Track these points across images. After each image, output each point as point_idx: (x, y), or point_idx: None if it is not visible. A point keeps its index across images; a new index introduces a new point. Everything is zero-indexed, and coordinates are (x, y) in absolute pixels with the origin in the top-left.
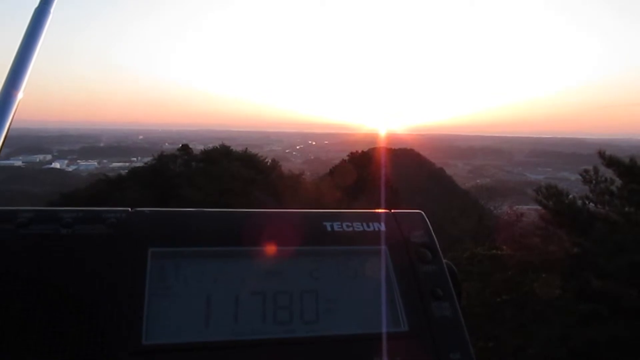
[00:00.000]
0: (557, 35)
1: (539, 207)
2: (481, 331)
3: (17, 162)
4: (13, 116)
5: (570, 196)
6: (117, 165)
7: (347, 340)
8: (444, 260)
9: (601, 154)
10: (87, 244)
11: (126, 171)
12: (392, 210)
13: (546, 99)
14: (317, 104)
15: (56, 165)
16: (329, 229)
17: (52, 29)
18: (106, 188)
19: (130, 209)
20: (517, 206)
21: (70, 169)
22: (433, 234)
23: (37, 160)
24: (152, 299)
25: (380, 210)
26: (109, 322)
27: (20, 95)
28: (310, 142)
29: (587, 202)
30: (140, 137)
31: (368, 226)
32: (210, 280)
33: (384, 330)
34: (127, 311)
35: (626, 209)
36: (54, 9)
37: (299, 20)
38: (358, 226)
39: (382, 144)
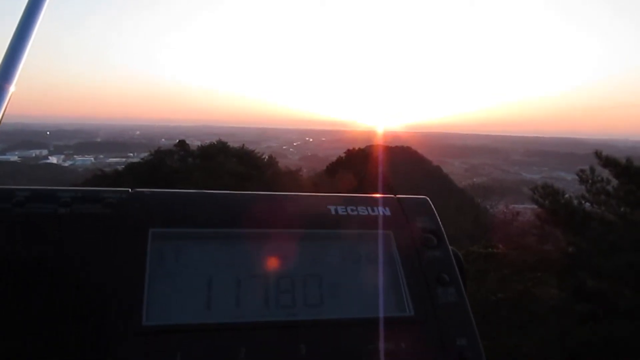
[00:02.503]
0: (555, 35)
1: (535, 206)
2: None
3: (13, 157)
4: (5, 109)
5: (567, 196)
6: (114, 160)
7: (351, 325)
8: (450, 247)
9: (598, 154)
10: (86, 223)
11: (123, 167)
12: (397, 195)
13: (543, 99)
14: (314, 100)
15: (52, 160)
16: (333, 212)
17: (48, 22)
18: (102, 183)
19: (130, 190)
20: (513, 205)
21: (66, 164)
22: (439, 219)
23: (33, 155)
24: (153, 280)
25: (385, 195)
26: (109, 302)
27: (12, 88)
28: (307, 138)
29: (583, 202)
30: (137, 132)
31: (373, 210)
32: (211, 262)
33: (388, 314)
34: (128, 292)
35: (622, 209)
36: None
37: (299, 16)
38: (363, 210)
39: (379, 141)
